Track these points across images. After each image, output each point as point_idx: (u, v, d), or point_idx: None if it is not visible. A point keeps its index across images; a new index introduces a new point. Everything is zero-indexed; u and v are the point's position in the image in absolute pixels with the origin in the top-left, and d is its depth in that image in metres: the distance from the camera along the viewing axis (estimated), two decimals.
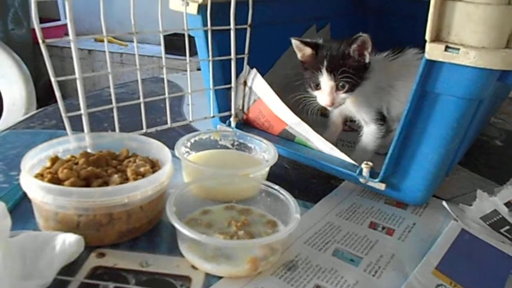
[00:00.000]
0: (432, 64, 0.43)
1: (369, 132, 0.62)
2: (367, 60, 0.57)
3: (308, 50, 0.59)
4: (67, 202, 0.39)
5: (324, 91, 0.57)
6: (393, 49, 0.62)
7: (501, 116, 0.91)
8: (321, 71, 0.57)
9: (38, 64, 2.08)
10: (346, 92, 0.57)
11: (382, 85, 0.59)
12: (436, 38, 0.42)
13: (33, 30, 0.45)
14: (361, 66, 0.57)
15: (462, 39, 0.41)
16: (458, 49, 0.40)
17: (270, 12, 0.71)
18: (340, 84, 0.56)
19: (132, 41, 0.53)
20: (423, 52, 0.56)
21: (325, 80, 0.57)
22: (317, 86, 0.58)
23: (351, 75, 0.56)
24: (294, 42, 0.60)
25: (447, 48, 0.41)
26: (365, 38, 0.54)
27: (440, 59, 0.42)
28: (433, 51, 0.42)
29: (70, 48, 0.48)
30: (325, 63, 0.56)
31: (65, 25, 0.46)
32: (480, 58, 0.40)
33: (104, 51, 0.52)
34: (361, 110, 0.61)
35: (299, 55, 0.61)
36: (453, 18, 0.41)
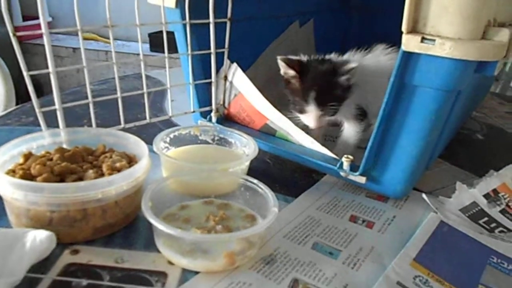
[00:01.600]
0: (409, 56, 0.43)
1: (350, 127, 0.62)
2: (352, 82, 0.57)
3: (292, 72, 0.57)
4: (39, 198, 0.38)
5: (310, 117, 0.57)
6: (361, 48, 0.62)
7: (483, 111, 0.92)
8: (307, 102, 0.56)
9: None
10: (331, 116, 0.58)
11: (358, 82, 0.59)
12: (413, 30, 0.42)
13: (16, 27, 0.44)
14: (346, 89, 0.57)
15: (438, 31, 0.41)
16: (434, 40, 0.40)
17: (252, 6, 0.70)
18: (326, 111, 0.57)
19: (118, 39, 0.52)
20: (391, 47, 0.56)
21: (312, 109, 0.56)
22: (302, 111, 0.58)
23: (338, 103, 0.57)
24: (280, 61, 0.58)
25: (423, 39, 0.41)
26: (357, 68, 0.55)
27: (417, 51, 0.42)
28: (409, 42, 0.42)
29: (55, 46, 0.46)
30: (312, 94, 0.55)
31: (50, 22, 0.45)
32: (455, 49, 0.40)
33: (90, 49, 0.51)
34: (341, 110, 0.60)
35: (282, 71, 0.59)
36: (430, 9, 0.41)
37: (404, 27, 0.42)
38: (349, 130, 0.62)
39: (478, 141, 0.77)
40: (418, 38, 0.41)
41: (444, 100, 0.45)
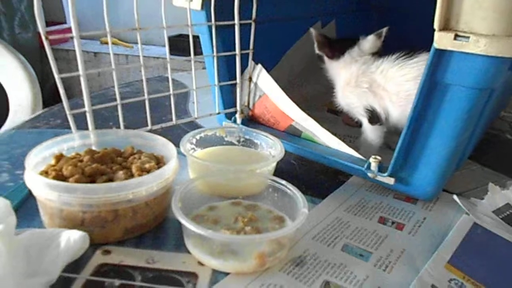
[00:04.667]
0: (441, 54, 0.42)
1: (365, 127, 0.62)
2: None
3: None
4: (72, 199, 0.39)
5: None
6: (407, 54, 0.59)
7: (511, 110, 0.90)
8: None
9: (44, 67, 2.09)
10: None
11: (362, 84, 0.59)
12: (445, 27, 0.41)
13: (39, 33, 0.45)
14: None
15: (472, 27, 0.40)
16: (468, 37, 0.39)
17: (275, 8, 0.70)
18: None
19: (137, 43, 0.52)
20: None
21: None
22: None
23: None
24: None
25: (456, 36, 0.40)
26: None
27: (450, 48, 0.41)
28: (442, 40, 0.41)
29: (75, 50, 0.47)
30: None
31: (71, 28, 0.45)
32: (490, 46, 0.39)
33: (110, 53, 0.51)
34: (351, 107, 0.62)
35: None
36: (462, 5, 0.40)
37: (436, 24, 0.41)
38: (366, 130, 0.62)
39: (507, 141, 0.75)
40: (451, 35, 0.40)
41: (477, 99, 0.44)
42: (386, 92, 0.57)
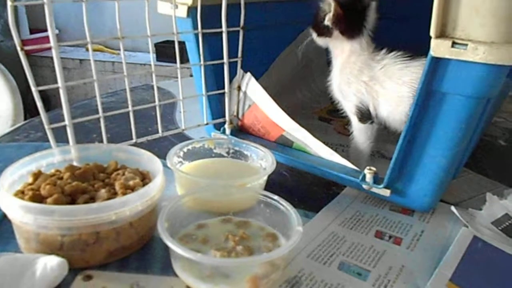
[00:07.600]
0: (437, 62, 0.41)
1: (354, 126, 0.59)
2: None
3: None
4: (49, 222, 0.36)
5: None
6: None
7: (503, 115, 0.89)
8: None
9: None
10: None
11: (362, 77, 0.55)
12: (441, 34, 0.40)
13: (23, 41, 0.42)
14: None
15: (470, 34, 0.38)
16: (466, 44, 0.38)
17: (264, 15, 0.68)
18: None
19: (125, 49, 0.50)
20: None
21: None
22: None
23: None
24: None
25: (454, 44, 0.38)
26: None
27: (447, 56, 0.39)
28: (439, 47, 0.39)
29: (62, 58, 0.44)
30: None
31: (57, 35, 0.43)
32: (490, 54, 0.37)
33: (96, 61, 0.49)
34: (344, 98, 0.59)
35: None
36: (459, 12, 0.38)
37: (432, 32, 0.39)
38: (356, 130, 0.60)
39: (501, 148, 0.74)
40: (449, 43, 0.39)
41: (475, 108, 0.43)
42: (382, 89, 0.54)
